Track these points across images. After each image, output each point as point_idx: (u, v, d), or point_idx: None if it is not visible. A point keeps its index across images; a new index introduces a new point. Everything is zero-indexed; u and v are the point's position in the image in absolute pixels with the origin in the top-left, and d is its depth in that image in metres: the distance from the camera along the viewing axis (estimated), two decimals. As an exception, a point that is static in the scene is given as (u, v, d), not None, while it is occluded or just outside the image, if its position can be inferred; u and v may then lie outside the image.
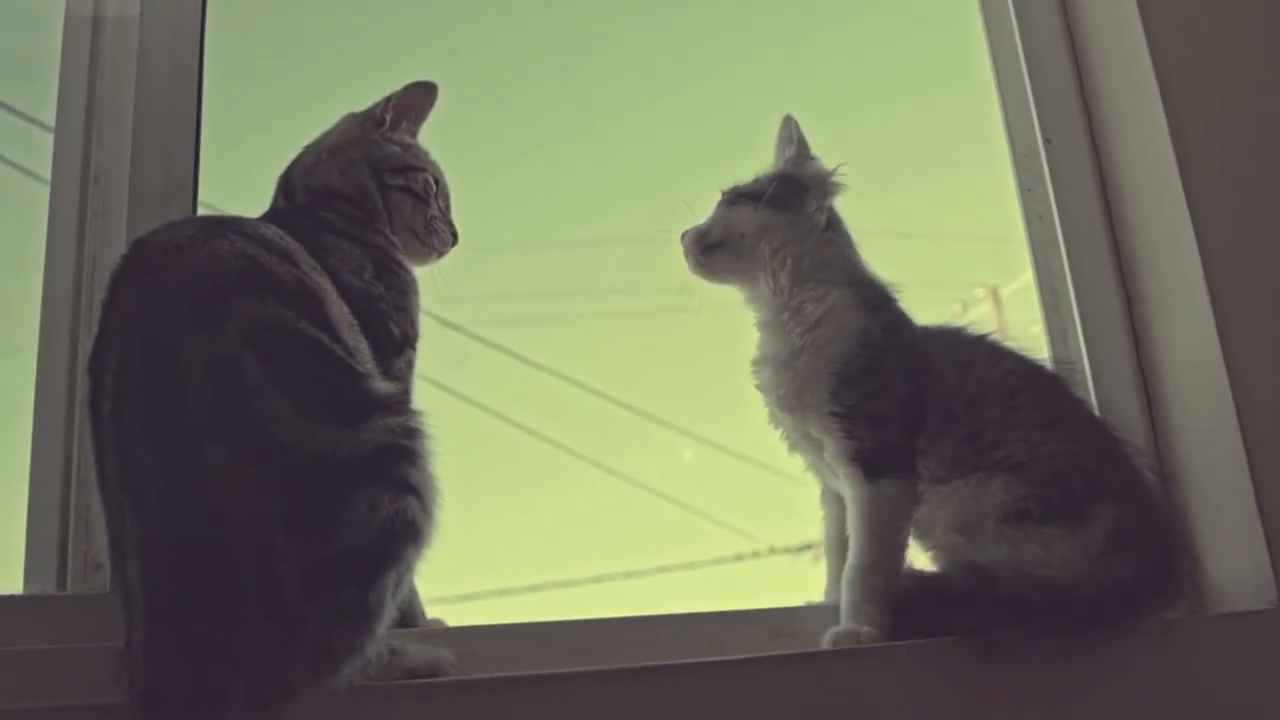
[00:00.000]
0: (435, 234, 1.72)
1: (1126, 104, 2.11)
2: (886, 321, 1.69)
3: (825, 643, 1.53)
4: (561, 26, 2.48)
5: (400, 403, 1.34)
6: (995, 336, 1.77)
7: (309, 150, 1.70)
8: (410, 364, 1.57)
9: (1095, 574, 1.49)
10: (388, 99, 1.73)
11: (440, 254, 1.74)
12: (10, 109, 1.86)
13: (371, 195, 1.67)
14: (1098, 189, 2.14)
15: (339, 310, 1.40)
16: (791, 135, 1.83)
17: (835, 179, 1.79)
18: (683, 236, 1.78)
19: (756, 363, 1.75)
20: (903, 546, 1.60)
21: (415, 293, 1.63)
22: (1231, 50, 2.11)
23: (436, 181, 1.73)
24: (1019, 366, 1.71)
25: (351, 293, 1.48)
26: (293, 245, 1.43)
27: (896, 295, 1.77)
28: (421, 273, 1.69)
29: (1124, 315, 2.07)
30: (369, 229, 1.63)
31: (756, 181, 1.80)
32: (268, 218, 1.59)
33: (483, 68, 2.35)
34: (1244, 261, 1.94)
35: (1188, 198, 1.94)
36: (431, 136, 1.78)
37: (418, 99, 1.74)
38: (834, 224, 1.78)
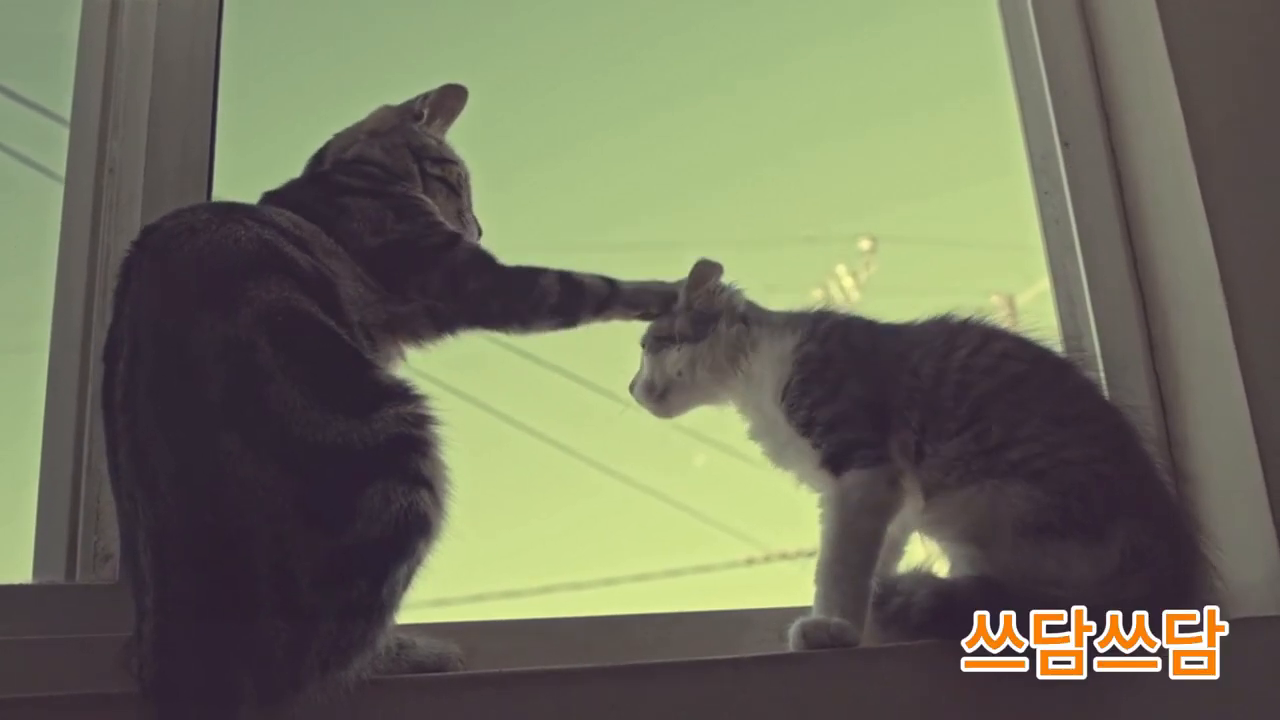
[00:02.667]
0: (466, 226, 1.75)
1: (1145, 107, 2.09)
2: (817, 332, 1.73)
3: (792, 631, 1.50)
4: (583, 31, 2.48)
5: (408, 390, 1.34)
6: (990, 319, 1.74)
7: (344, 135, 1.73)
8: (472, 245, 1.65)
9: (1108, 595, 1.46)
10: (425, 96, 1.78)
11: None
12: (26, 101, 1.86)
13: (414, 176, 1.70)
14: (1115, 193, 2.12)
15: (349, 289, 1.42)
16: (702, 280, 1.84)
17: (737, 295, 1.83)
18: (631, 389, 1.83)
19: (750, 438, 1.78)
20: (872, 539, 1.58)
21: (439, 215, 1.67)
22: (1250, 53, 2.10)
23: (466, 176, 1.78)
24: (1018, 350, 1.69)
25: (374, 253, 1.52)
26: (308, 231, 1.45)
27: (832, 311, 1.80)
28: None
29: (1139, 319, 2.05)
30: (393, 184, 1.65)
31: (669, 319, 1.81)
32: (280, 192, 1.60)
33: (505, 70, 2.35)
34: (1261, 266, 1.92)
35: (1205, 202, 1.93)
36: (455, 136, 1.82)
37: (451, 100, 1.79)
38: (745, 314, 1.81)
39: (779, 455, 1.73)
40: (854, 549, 1.57)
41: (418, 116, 1.76)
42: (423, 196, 1.67)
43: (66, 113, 1.71)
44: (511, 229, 1.94)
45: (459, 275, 1.57)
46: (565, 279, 1.63)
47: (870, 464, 1.60)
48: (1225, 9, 2.12)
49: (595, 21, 2.51)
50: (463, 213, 1.76)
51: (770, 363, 1.72)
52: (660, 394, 1.79)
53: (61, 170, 1.70)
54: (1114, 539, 1.51)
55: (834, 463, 1.62)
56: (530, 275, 1.62)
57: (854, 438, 1.62)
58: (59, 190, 1.69)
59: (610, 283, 1.70)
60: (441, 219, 1.65)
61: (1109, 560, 1.50)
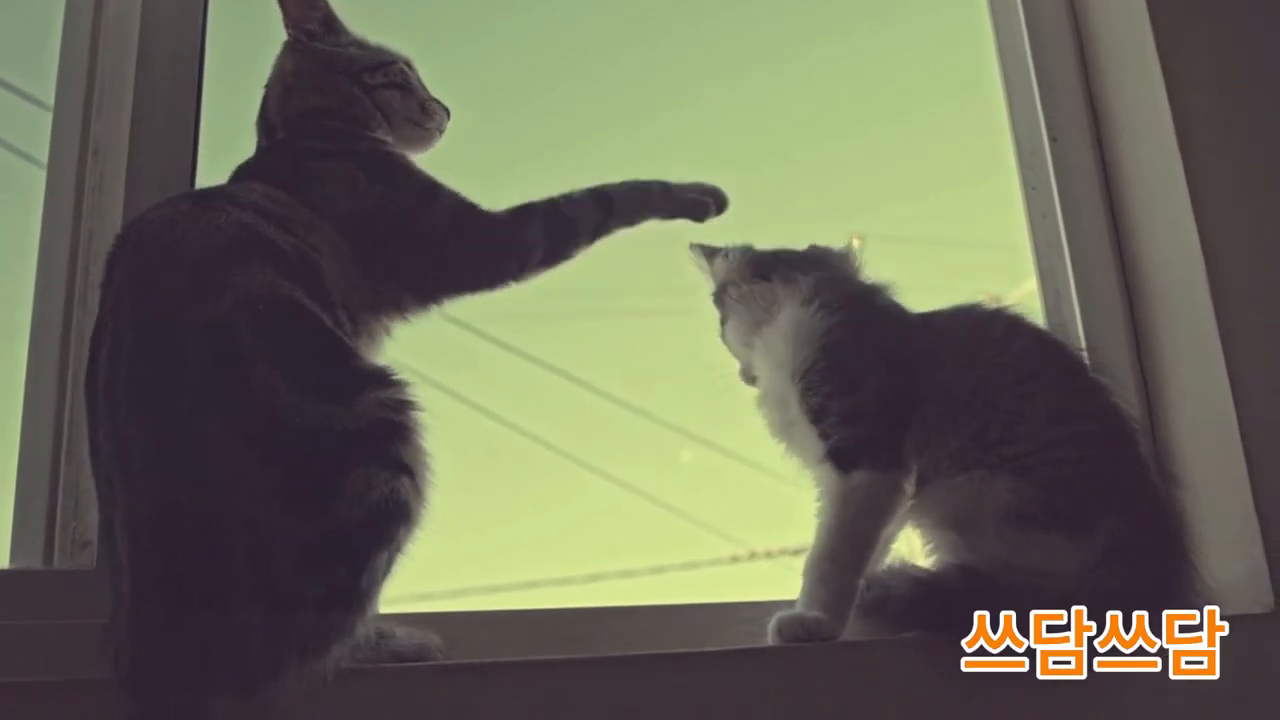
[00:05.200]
0: (431, 115, 1.71)
1: (1133, 102, 2.09)
2: (852, 318, 1.68)
3: (769, 627, 1.50)
4: (580, 32, 2.49)
5: (389, 376, 1.33)
6: (1016, 311, 1.73)
7: (272, 84, 1.66)
8: (451, 196, 1.57)
9: (1090, 588, 1.46)
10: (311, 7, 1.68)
11: (440, 131, 1.74)
12: (9, 86, 1.85)
13: (359, 100, 1.64)
14: (1102, 188, 2.12)
15: (335, 270, 1.40)
16: (702, 258, 1.86)
17: (735, 255, 1.82)
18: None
19: (758, 405, 1.76)
20: (868, 541, 1.56)
21: (413, 164, 1.62)
22: (1238, 47, 2.09)
23: (409, 65, 1.72)
24: (1035, 347, 1.67)
25: (348, 220, 1.47)
26: (286, 207, 1.43)
27: (877, 291, 1.76)
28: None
29: (1126, 315, 2.05)
30: (354, 137, 1.61)
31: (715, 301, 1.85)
32: (251, 164, 1.58)
33: (502, 70, 2.35)
34: (1248, 263, 1.91)
35: (1192, 197, 1.92)
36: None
37: None
38: (757, 268, 1.80)
39: (784, 431, 1.70)
40: (847, 549, 1.55)
41: (315, 34, 1.67)
42: (391, 151, 1.62)
43: (49, 97, 1.70)
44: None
45: (438, 242, 1.53)
46: (552, 221, 1.57)
47: (881, 467, 1.57)
48: (1213, 3, 2.12)
49: (591, 22, 2.52)
50: (424, 104, 1.71)
51: (791, 337, 1.68)
52: (747, 380, 1.79)
53: (43, 156, 1.69)
54: (1097, 532, 1.50)
55: (840, 457, 1.58)
56: (514, 227, 1.57)
57: (867, 435, 1.59)
58: (40, 176, 1.68)
59: (604, 203, 1.62)
60: (415, 169, 1.60)
61: (1092, 552, 1.49)
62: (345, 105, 1.63)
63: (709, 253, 1.86)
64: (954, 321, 1.71)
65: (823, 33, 2.61)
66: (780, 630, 1.49)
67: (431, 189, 1.57)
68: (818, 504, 1.62)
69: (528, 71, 2.40)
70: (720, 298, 1.82)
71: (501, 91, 2.34)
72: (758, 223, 1.95)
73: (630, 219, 1.65)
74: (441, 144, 1.75)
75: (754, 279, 1.78)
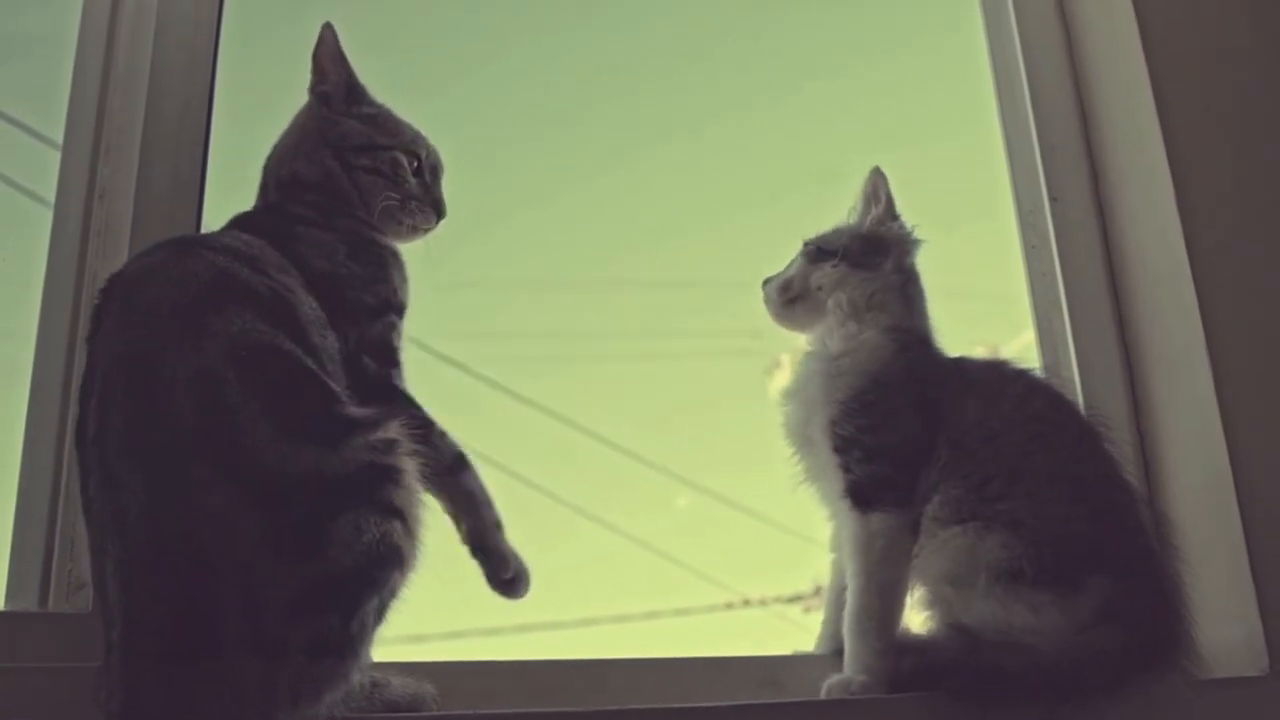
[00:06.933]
0: (411, 214, 1.63)
1: (1133, 164, 2.11)
2: (911, 363, 1.70)
3: (822, 691, 1.52)
4: (587, 65, 2.50)
5: (376, 419, 1.32)
6: (1041, 374, 1.77)
7: (281, 138, 1.66)
8: (393, 328, 1.51)
9: (1080, 647, 1.47)
10: (316, 63, 1.64)
11: (423, 232, 1.66)
12: (17, 123, 1.86)
13: (336, 177, 1.60)
14: (1102, 249, 2.14)
15: (307, 309, 1.38)
16: (878, 191, 1.87)
17: (915, 239, 1.84)
18: (764, 284, 1.84)
19: (782, 394, 1.78)
20: (899, 588, 1.58)
21: (397, 266, 1.58)
22: (1238, 113, 2.12)
23: (414, 156, 1.65)
24: (1050, 411, 1.69)
25: (318, 278, 1.45)
26: (258, 249, 1.41)
27: (932, 335, 1.80)
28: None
29: (1124, 377, 2.06)
30: (339, 214, 1.57)
31: (838, 234, 1.85)
32: (245, 218, 1.58)
33: (506, 107, 2.35)
34: (1247, 328, 1.93)
35: (1191, 261, 1.94)
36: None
37: (334, 51, 1.64)
38: (907, 278, 1.81)
39: (801, 439, 1.72)
40: (880, 599, 1.57)
41: (331, 99, 1.63)
42: (376, 238, 1.58)
43: (59, 136, 1.71)
44: (519, 262, 1.93)
45: (360, 352, 1.45)
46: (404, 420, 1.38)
47: (897, 508, 1.59)
48: (1214, 69, 2.14)
49: (602, 55, 2.52)
50: (407, 201, 1.63)
51: (854, 364, 1.69)
52: (792, 298, 1.80)
53: (50, 195, 1.69)
54: (1087, 591, 1.51)
55: (859, 495, 1.61)
56: (379, 391, 1.45)
57: (887, 475, 1.61)
58: (46, 215, 1.68)
59: (456, 466, 1.50)
60: (388, 274, 1.55)
61: (1081, 611, 1.50)
62: (324, 179, 1.60)
63: (887, 195, 1.87)
64: (981, 373, 1.74)
65: (823, 74, 2.62)
66: (829, 695, 1.52)
67: (389, 306, 1.53)
68: (830, 522, 1.68)
69: (535, 105, 2.40)
70: (874, 248, 1.81)
71: (500, 128, 2.35)
72: (759, 261, 1.95)
73: (457, 508, 1.51)
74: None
75: (895, 271, 1.79)
